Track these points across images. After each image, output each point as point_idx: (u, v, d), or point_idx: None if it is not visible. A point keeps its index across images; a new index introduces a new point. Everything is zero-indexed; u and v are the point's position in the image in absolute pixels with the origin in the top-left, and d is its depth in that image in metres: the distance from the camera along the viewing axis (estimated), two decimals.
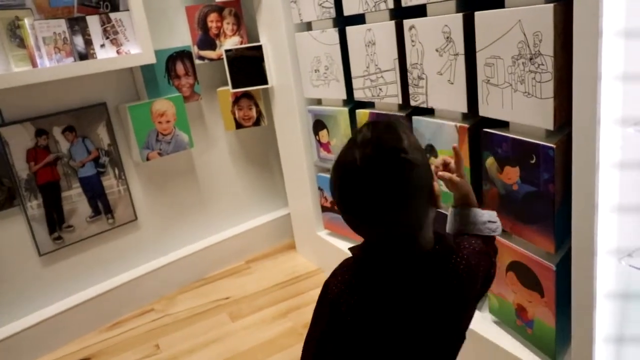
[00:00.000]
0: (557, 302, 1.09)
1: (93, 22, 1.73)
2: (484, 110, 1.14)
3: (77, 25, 1.70)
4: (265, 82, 1.99)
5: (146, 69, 1.89)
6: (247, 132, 2.24)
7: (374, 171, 0.65)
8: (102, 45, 1.76)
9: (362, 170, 0.65)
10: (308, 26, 1.77)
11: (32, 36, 1.60)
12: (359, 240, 0.74)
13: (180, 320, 1.89)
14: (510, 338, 1.26)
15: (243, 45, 1.99)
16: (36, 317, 1.77)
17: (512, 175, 1.10)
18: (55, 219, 1.79)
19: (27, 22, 1.58)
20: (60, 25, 1.67)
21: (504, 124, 1.15)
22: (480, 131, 1.19)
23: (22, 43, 1.61)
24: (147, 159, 1.91)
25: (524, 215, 1.10)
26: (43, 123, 1.73)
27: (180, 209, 2.13)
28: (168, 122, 1.94)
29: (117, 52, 1.80)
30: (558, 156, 1.00)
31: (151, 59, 1.82)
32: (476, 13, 1.09)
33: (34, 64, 1.62)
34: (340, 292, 0.73)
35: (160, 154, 1.94)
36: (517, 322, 1.21)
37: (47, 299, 1.82)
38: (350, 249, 0.75)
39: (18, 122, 1.67)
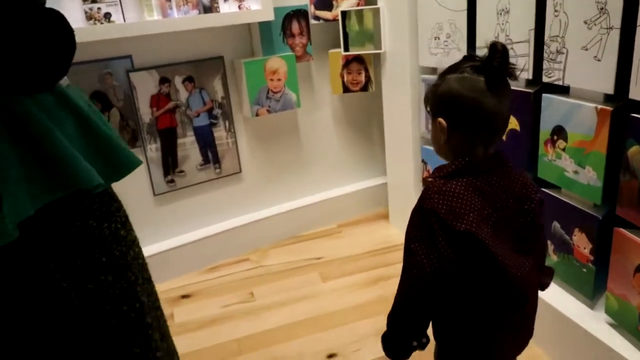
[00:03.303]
0: None
1: None
2: (637, 93, 1.03)
3: None
4: (378, 46, 1.94)
5: (263, 26, 1.91)
6: (353, 97, 2.22)
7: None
8: (226, 0, 1.80)
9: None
10: None
11: None
12: None
13: (273, 273, 1.96)
14: (626, 342, 1.16)
15: (360, 7, 1.94)
16: (144, 252, 1.92)
17: None
18: (170, 163, 1.91)
19: None
20: None
21: None
22: (625, 116, 1.07)
23: None
24: (257, 115, 1.96)
25: None
26: (166, 72, 1.82)
27: (281, 166, 2.18)
28: (279, 80, 1.97)
29: (239, 7, 1.83)
30: None
31: (270, 16, 1.84)
32: None
33: (164, 14, 1.70)
34: None
35: (268, 111, 1.98)
36: (638, 327, 1.12)
37: (156, 236, 1.97)
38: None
39: (145, 69, 1.78)
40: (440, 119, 0.82)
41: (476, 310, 0.84)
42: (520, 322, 0.89)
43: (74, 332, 0.63)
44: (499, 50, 0.77)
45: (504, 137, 0.96)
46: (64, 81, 0.64)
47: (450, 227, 0.78)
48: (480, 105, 0.78)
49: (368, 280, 1.85)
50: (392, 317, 0.87)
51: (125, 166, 0.65)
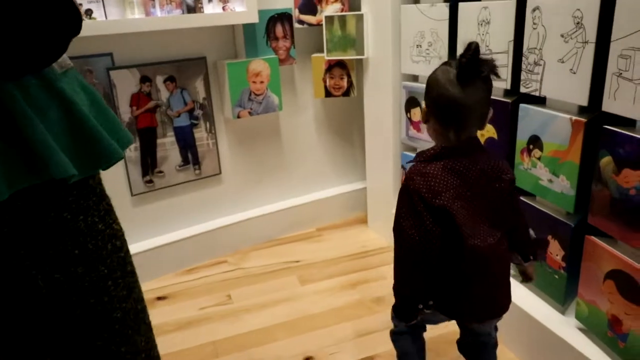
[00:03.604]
0: None
1: None
2: (609, 106, 1.06)
3: None
4: (361, 52, 1.96)
5: (247, 28, 1.91)
6: (335, 102, 2.23)
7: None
8: (210, 1, 1.80)
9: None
10: None
11: None
12: None
13: (252, 276, 1.96)
14: (596, 348, 1.20)
15: (344, 13, 1.96)
16: None
17: (631, 178, 1.02)
18: (149, 163, 1.89)
19: None
20: None
21: (626, 123, 1.07)
22: (599, 128, 1.11)
23: None
24: (238, 117, 1.96)
25: (639, 222, 1.03)
26: (148, 70, 1.81)
27: (261, 169, 2.18)
28: (262, 82, 1.97)
29: (223, 8, 1.83)
30: None
31: (254, 18, 1.84)
32: None
33: (147, 13, 1.69)
34: None
35: (250, 113, 1.98)
36: (607, 333, 1.15)
37: (133, 237, 1.94)
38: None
39: (126, 67, 1.76)
40: (423, 103, 0.96)
41: (449, 270, 0.98)
42: (489, 286, 1.01)
43: (38, 319, 0.63)
44: (470, 49, 0.89)
45: (481, 131, 1.04)
46: (64, 62, 0.63)
47: (430, 203, 0.93)
48: (445, 93, 0.92)
49: (346, 283, 1.86)
50: (396, 287, 1.02)
51: (105, 158, 0.64)
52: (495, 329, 1.16)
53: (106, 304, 0.67)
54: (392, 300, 1.05)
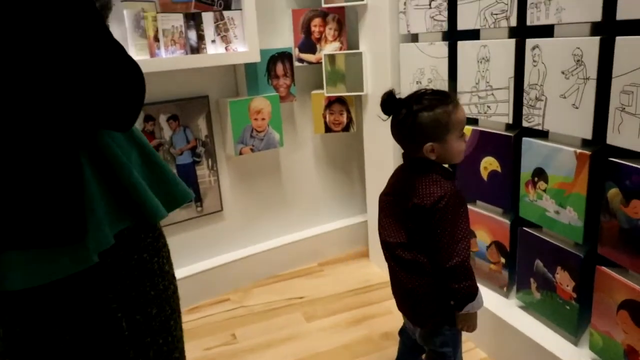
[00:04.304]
0: None
1: (207, 19, 1.81)
2: (613, 139, 1.10)
3: (192, 20, 1.79)
4: (360, 89, 2.00)
5: (249, 67, 1.95)
6: (334, 137, 2.26)
7: None
8: (213, 41, 1.84)
9: None
10: (413, 37, 1.77)
11: (153, 28, 1.69)
12: None
13: (256, 314, 1.93)
14: None
15: (342, 52, 2.01)
16: None
17: None
18: None
19: (150, 15, 1.67)
20: (179, 20, 1.75)
21: (630, 155, 1.10)
22: (603, 160, 1.14)
23: (144, 33, 1.70)
24: (240, 153, 1.97)
25: None
26: (152, 109, 1.82)
27: (263, 205, 2.18)
28: (263, 119, 2.00)
29: (226, 48, 1.87)
30: None
31: (256, 58, 1.88)
32: (618, 38, 1.05)
33: (152, 54, 1.72)
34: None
35: (252, 150, 2.00)
36: None
37: None
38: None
39: None
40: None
41: None
42: (393, 271, 1.17)
43: None
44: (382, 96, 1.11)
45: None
46: None
47: None
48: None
49: (353, 319, 1.84)
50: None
51: (181, 198, 0.68)
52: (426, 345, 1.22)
53: (169, 344, 0.69)
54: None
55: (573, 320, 1.32)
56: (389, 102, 1.10)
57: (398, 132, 1.13)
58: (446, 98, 1.08)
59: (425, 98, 1.08)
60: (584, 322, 1.33)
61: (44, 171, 0.55)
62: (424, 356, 1.27)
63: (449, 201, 1.05)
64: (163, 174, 0.67)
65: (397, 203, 1.14)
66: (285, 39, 2.04)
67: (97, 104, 0.56)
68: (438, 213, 1.05)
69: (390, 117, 1.12)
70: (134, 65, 0.61)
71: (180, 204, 0.70)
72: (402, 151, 1.16)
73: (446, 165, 1.13)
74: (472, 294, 1.08)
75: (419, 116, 1.06)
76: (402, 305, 1.20)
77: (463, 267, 1.06)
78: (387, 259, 1.18)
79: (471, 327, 1.14)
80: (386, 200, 1.18)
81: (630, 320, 1.12)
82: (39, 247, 0.55)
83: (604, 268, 1.18)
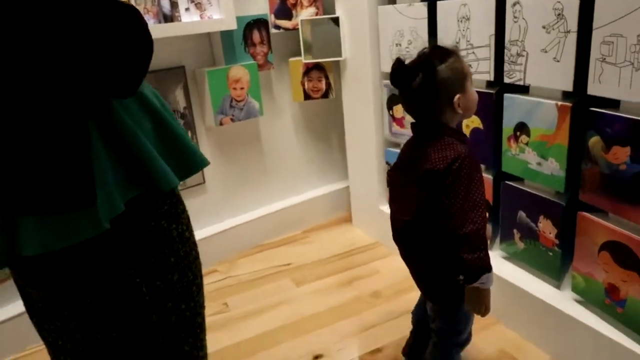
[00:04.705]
0: None
1: None
2: (594, 89, 1.15)
3: None
4: (338, 54, 2.00)
5: (225, 35, 1.91)
6: (313, 104, 2.26)
7: None
8: (187, 9, 1.79)
9: None
10: (390, 0, 1.77)
11: None
12: None
13: (244, 282, 1.95)
14: (594, 316, 1.28)
15: (320, 17, 2.00)
16: None
17: (620, 155, 1.11)
18: None
19: None
20: None
21: (609, 104, 1.15)
22: (583, 111, 1.19)
23: None
24: (220, 124, 1.95)
25: (632, 195, 1.11)
26: None
27: (245, 175, 2.18)
28: (242, 88, 1.97)
29: (200, 16, 1.82)
30: None
31: (232, 25, 1.84)
32: None
33: None
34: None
35: (232, 120, 1.98)
36: (605, 301, 1.23)
37: None
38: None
39: None
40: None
41: None
42: (404, 255, 1.17)
43: (139, 326, 0.65)
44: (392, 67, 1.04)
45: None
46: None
47: None
48: None
49: (342, 281, 1.88)
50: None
51: (195, 166, 0.68)
52: (431, 327, 1.20)
53: (192, 309, 0.69)
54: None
55: (556, 265, 1.40)
56: (404, 71, 1.02)
57: (418, 99, 1.05)
58: (448, 49, 1.07)
59: (434, 55, 1.04)
60: (565, 267, 1.40)
61: (51, 137, 0.54)
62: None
63: (463, 162, 0.99)
64: (177, 142, 0.66)
65: (406, 175, 1.09)
66: (260, 4, 2.00)
67: (103, 65, 0.55)
68: (451, 175, 0.99)
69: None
70: (141, 26, 0.59)
71: (194, 172, 0.69)
72: (413, 122, 1.11)
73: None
74: (486, 268, 0.99)
75: (439, 72, 1.01)
76: (416, 280, 1.19)
77: (478, 235, 0.97)
78: (395, 239, 1.15)
79: (483, 307, 1.02)
80: (395, 174, 1.15)
81: (611, 260, 1.19)
82: (50, 213, 0.55)
83: (585, 213, 1.25)
